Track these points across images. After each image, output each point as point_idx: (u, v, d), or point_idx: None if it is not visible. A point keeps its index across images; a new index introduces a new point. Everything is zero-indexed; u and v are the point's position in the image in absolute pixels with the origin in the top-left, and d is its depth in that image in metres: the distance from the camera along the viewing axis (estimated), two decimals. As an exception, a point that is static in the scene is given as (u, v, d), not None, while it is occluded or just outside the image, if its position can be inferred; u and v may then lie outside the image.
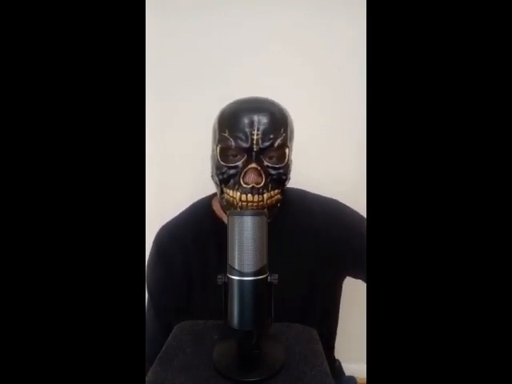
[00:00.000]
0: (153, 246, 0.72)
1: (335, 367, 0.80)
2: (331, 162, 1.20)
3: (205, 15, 1.13)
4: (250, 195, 0.59)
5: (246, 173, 0.59)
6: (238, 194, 0.60)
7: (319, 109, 1.17)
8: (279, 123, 0.61)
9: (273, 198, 0.61)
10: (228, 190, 0.61)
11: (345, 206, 0.74)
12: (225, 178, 0.61)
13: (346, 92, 1.15)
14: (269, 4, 1.13)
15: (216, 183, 0.64)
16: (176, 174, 1.22)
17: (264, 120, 0.59)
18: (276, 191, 0.62)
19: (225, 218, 0.68)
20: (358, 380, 0.82)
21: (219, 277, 0.46)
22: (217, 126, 0.63)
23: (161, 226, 0.74)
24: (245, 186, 0.58)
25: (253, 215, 0.44)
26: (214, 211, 0.71)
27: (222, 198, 0.64)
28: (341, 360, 0.83)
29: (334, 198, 0.75)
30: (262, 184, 0.58)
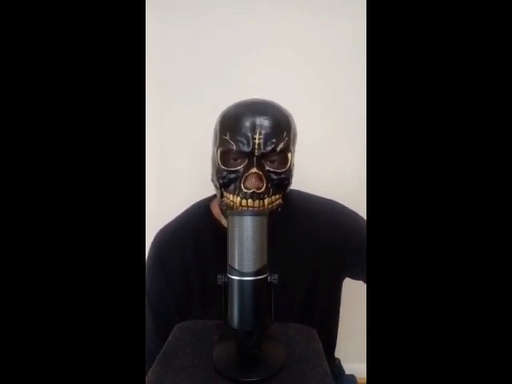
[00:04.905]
0: (151, 250, 0.72)
1: (335, 366, 0.80)
2: (333, 162, 1.20)
3: (205, 14, 1.13)
4: (250, 200, 0.58)
5: (246, 177, 0.57)
6: (239, 198, 0.59)
7: (321, 109, 1.17)
8: (282, 127, 0.59)
9: (274, 203, 0.61)
10: (228, 195, 0.61)
11: (344, 206, 0.73)
12: (225, 182, 0.60)
13: (349, 91, 1.15)
14: (270, 3, 1.13)
15: (216, 186, 0.63)
16: (175, 175, 1.22)
17: (266, 124, 0.58)
18: (277, 196, 0.61)
19: (224, 221, 0.67)
20: (358, 380, 0.83)
21: (219, 277, 0.46)
22: (218, 129, 0.62)
23: (159, 230, 0.73)
24: (245, 190, 0.57)
25: (253, 215, 0.44)
26: (212, 214, 0.70)
27: (221, 202, 0.63)
28: (341, 360, 0.83)
29: (335, 198, 0.74)
30: (263, 189, 0.57)
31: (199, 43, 1.15)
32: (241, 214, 0.45)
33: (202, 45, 1.15)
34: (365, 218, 0.71)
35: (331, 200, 0.74)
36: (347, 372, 0.83)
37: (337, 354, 0.81)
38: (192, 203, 0.76)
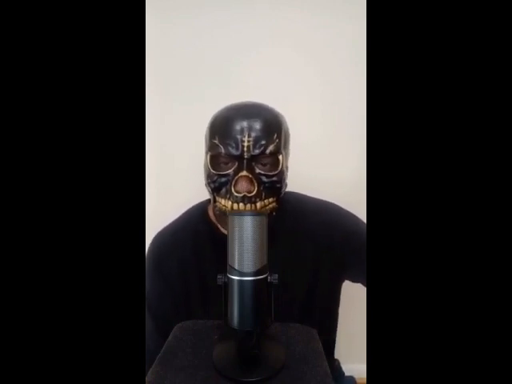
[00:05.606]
0: (149, 252, 0.71)
1: (335, 367, 0.80)
2: (332, 162, 1.20)
3: (205, 14, 1.13)
4: (241, 204, 0.57)
5: (236, 181, 0.57)
6: (230, 202, 0.58)
7: (321, 109, 1.17)
8: (272, 129, 0.59)
9: (267, 207, 0.60)
10: (220, 199, 0.60)
11: (340, 208, 0.73)
12: (216, 186, 0.60)
13: (349, 91, 1.15)
14: (270, 3, 1.13)
15: (209, 191, 0.63)
16: (175, 175, 1.22)
17: (255, 126, 0.57)
18: (270, 199, 0.60)
19: (219, 225, 0.67)
20: (357, 380, 0.83)
21: (219, 277, 0.46)
22: (208, 133, 0.62)
23: (157, 232, 0.73)
24: (236, 194, 0.57)
25: (253, 215, 0.44)
26: (209, 217, 0.70)
27: (215, 207, 0.63)
28: (341, 360, 0.83)
29: (334, 199, 0.74)
30: (255, 192, 0.57)
31: (199, 43, 1.15)
32: (241, 213, 0.45)
33: (202, 45, 1.15)
34: (364, 218, 0.71)
35: (326, 201, 0.74)
36: (347, 373, 0.83)
37: (336, 355, 0.81)
38: (192, 204, 0.76)
